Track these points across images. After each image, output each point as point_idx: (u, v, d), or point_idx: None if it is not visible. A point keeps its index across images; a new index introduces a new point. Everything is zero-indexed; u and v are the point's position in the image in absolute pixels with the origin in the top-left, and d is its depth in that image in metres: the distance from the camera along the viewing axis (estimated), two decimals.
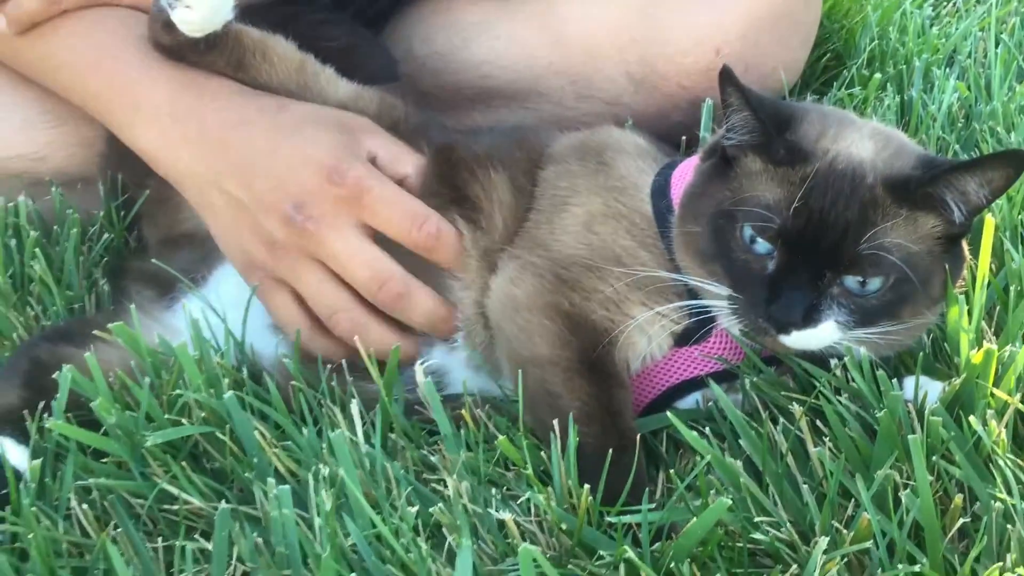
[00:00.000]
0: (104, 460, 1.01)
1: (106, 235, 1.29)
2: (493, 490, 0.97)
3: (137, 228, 1.31)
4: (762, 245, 0.95)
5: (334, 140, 1.11)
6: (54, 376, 1.01)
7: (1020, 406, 0.94)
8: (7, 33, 1.21)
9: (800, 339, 0.95)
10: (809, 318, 0.94)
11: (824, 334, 0.95)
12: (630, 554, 0.85)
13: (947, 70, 1.59)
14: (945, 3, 1.91)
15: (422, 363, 1.04)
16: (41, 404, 1.02)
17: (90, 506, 0.96)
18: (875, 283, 0.95)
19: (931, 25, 1.74)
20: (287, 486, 0.92)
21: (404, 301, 1.09)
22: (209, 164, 1.12)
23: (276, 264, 1.11)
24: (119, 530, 0.95)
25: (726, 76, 0.97)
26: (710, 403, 1.05)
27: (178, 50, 1.14)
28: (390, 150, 1.15)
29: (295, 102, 1.16)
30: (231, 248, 1.14)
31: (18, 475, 0.97)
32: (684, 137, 1.34)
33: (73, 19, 1.20)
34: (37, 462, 0.98)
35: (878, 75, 1.51)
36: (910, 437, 0.86)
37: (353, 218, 1.09)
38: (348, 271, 1.09)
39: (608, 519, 0.91)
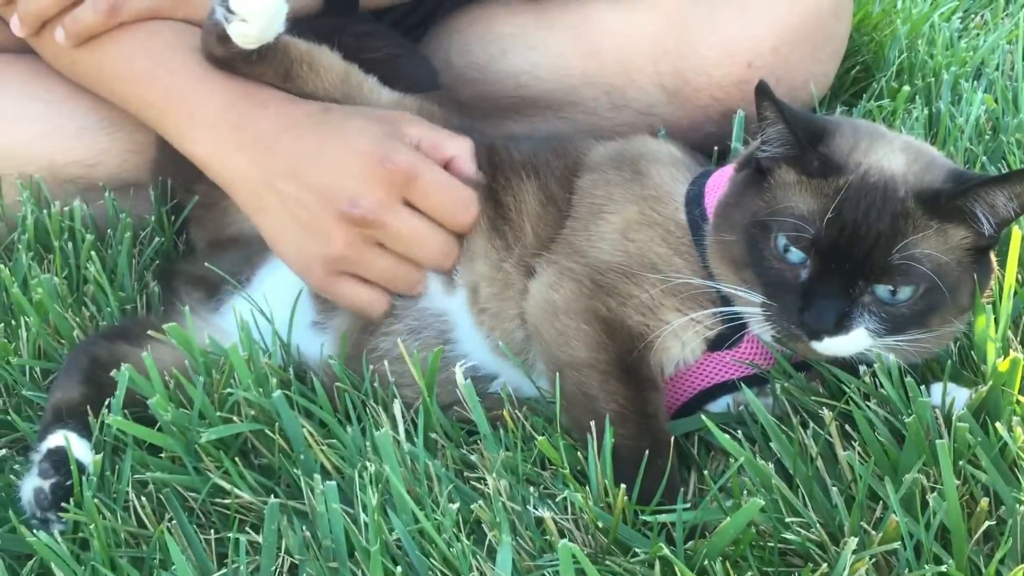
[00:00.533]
0: (160, 455, 1.05)
1: (157, 239, 1.33)
2: (531, 488, 1.00)
3: (186, 232, 1.36)
4: (795, 254, 0.98)
5: (378, 130, 1.16)
6: (112, 373, 1.06)
7: None
8: (64, 45, 1.25)
9: (832, 345, 0.98)
10: (841, 325, 0.97)
11: (855, 341, 0.98)
12: (665, 551, 0.88)
13: (975, 83, 1.61)
14: (973, 16, 1.92)
15: (461, 365, 1.08)
16: (105, 401, 1.07)
17: (147, 499, 1.01)
18: (905, 292, 0.97)
19: (959, 38, 1.75)
20: (333, 482, 0.96)
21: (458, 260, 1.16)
22: (262, 167, 1.16)
23: (339, 257, 1.15)
24: (174, 522, 0.99)
25: (762, 91, 1.00)
26: (741, 407, 1.08)
27: (230, 61, 1.19)
28: (430, 136, 1.20)
29: (338, 105, 1.21)
30: (287, 249, 1.17)
31: (81, 468, 1.02)
32: (716, 147, 1.36)
33: (129, 31, 1.24)
34: (99, 456, 1.02)
35: (907, 87, 1.53)
36: (937, 442, 0.89)
37: (402, 199, 1.15)
38: (417, 251, 1.15)
39: (643, 518, 0.94)
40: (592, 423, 0.99)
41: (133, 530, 0.99)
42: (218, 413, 1.06)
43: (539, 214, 1.16)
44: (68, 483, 1.00)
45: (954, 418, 0.94)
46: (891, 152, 1.03)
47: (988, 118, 1.51)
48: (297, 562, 0.95)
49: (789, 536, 0.91)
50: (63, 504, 0.99)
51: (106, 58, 1.25)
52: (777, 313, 0.99)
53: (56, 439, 1.03)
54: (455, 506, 0.95)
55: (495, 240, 1.16)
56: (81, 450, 1.04)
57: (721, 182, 1.11)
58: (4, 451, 1.10)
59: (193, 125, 1.20)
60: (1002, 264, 1.06)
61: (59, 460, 1.01)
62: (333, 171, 1.14)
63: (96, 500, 0.99)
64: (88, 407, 1.07)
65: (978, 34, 1.81)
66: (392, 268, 1.16)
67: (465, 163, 1.20)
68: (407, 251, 1.15)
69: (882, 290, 0.97)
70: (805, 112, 1.12)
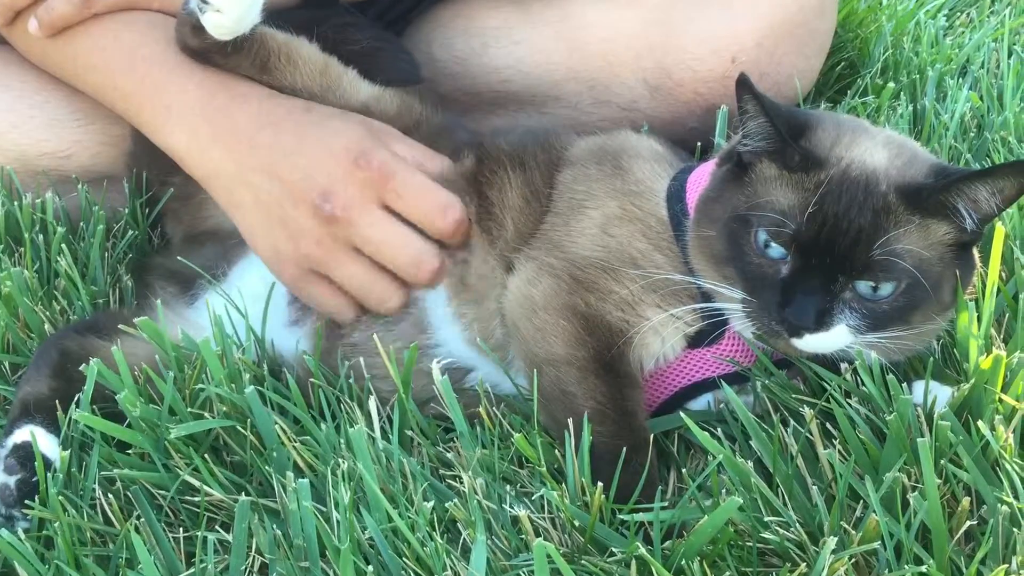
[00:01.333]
0: (128, 452, 1.04)
1: (130, 232, 1.31)
2: (508, 487, 0.99)
3: (161, 225, 1.34)
4: (776, 250, 0.97)
5: (358, 132, 1.15)
6: (81, 368, 1.04)
7: None
8: (37, 35, 1.23)
9: (812, 342, 0.97)
10: (821, 322, 0.96)
11: (836, 338, 0.97)
12: (641, 551, 0.87)
13: (960, 80, 1.60)
14: (959, 14, 1.92)
15: (439, 361, 1.06)
16: (74, 396, 1.05)
17: (114, 496, 0.99)
18: (887, 288, 0.96)
19: (944, 36, 1.75)
20: (306, 480, 0.94)
21: (438, 276, 1.13)
22: (238, 162, 1.15)
23: (308, 255, 1.13)
24: (142, 520, 0.97)
25: (743, 83, 0.99)
26: (722, 405, 1.07)
27: (205, 52, 1.17)
28: (413, 154, 1.18)
29: (321, 105, 1.19)
30: (261, 245, 1.16)
31: (47, 464, 0.99)
32: (699, 143, 1.35)
33: (103, 22, 1.22)
34: (67, 452, 1.00)
35: (891, 84, 1.53)
36: (919, 440, 0.88)
37: (378, 201, 1.12)
38: (384, 255, 1.13)
39: (620, 517, 0.93)
40: (570, 420, 0.98)
41: (99, 528, 0.97)
42: (189, 409, 1.04)
43: (521, 208, 1.15)
44: (34, 479, 0.98)
45: (936, 416, 0.93)
46: (873, 146, 1.02)
47: (973, 115, 1.50)
48: (268, 561, 0.93)
49: (768, 536, 0.89)
50: (28, 501, 0.97)
51: (80, 49, 1.24)
52: (757, 309, 0.98)
53: (22, 434, 1.01)
54: (430, 504, 0.94)
55: (481, 234, 1.14)
56: (48, 446, 1.02)
57: (703, 177, 1.10)
58: None
59: (170, 117, 1.18)
60: (985, 261, 1.05)
61: (25, 456, 0.99)
62: (308, 167, 1.12)
63: (62, 497, 0.97)
64: (57, 402, 1.05)
65: (963, 32, 1.81)
66: (362, 276, 1.13)
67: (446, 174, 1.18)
68: (378, 255, 1.13)
69: (863, 286, 0.96)
70: (786, 106, 1.11)
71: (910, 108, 1.48)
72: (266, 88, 1.19)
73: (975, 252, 1.02)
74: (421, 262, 1.13)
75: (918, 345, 1.03)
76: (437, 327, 1.14)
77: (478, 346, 1.10)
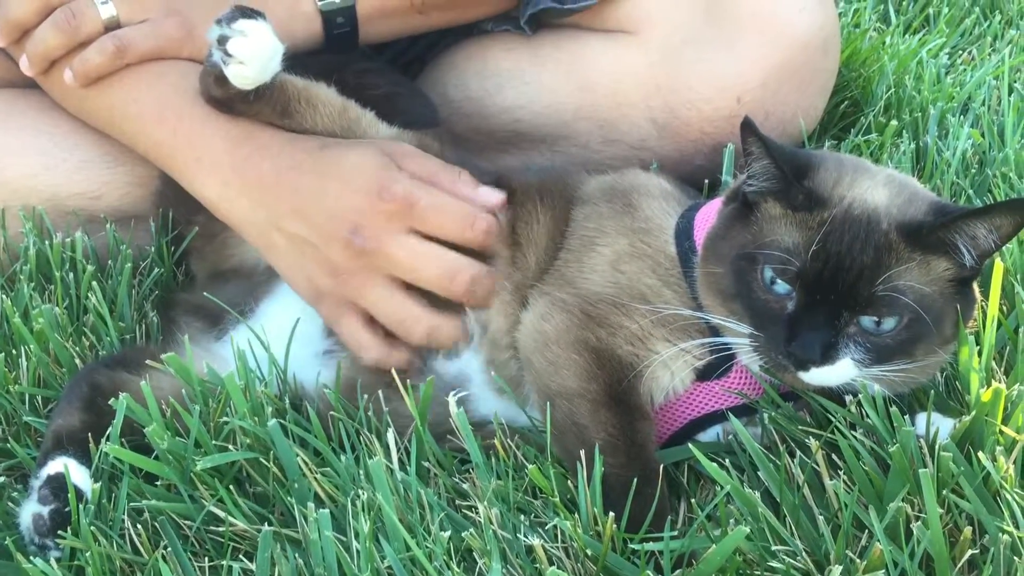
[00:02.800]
0: (156, 483, 1.07)
1: (156, 269, 1.35)
2: (522, 517, 1.01)
3: (186, 263, 1.38)
4: (782, 286, 1.00)
5: (375, 163, 1.19)
6: (112, 402, 1.08)
7: None
8: (73, 86, 1.28)
9: (818, 376, 1.00)
10: (827, 356, 0.98)
11: (841, 371, 1.00)
12: None
13: (961, 117, 1.63)
14: (960, 52, 1.95)
15: (455, 394, 1.09)
16: (105, 428, 1.08)
17: (143, 526, 1.02)
18: (890, 323, 0.99)
19: (946, 74, 1.78)
20: (326, 510, 0.97)
21: (477, 286, 1.16)
22: (268, 208, 1.20)
23: (343, 288, 1.18)
24: (169, 550, 1.00)
25: (747, 126, 1.02)
26: (730, 436, 1.09)
27: (229, 102, 1.21)
28: (427, 167, 1.22)
29: (337, 140, 1.23)
30: (298, 283, 1.21)
31: (79, 495, 1.03)
32: (707, 180, 1.39)
33: (136, 73, 1.27)
34: (98, 484, 1.04)
35: (894, 122, 1.56)
36: (921, 471, 0.90)
37: (406, 228, 1.17)
38: (416, 272, 1.17)
39: (631, 546, 0.96)
40: (582, 452, 1.00)
41: (128, 557, 1.00)
42: (214, 442, 1.08)
43: (546, 246, 1.18)
44: (66, 509, 1.01)
45: (938, 448, 0.96)
46: (874, 186, 1.05)
47: (974, 152, 1.53)
48: None
49: (775, 564, 0.92)
50: (60, 531, 1.00)
51: (115, 99, 1.29)
52: (764, 344, 1.01)
53: (56, 466, 1.05)
54: (446, 534, 0.97)
55: (511, 271, 1.18)
56: (80, 477, 1.05)
57: (710, 215, 1.13)
58: (3, 478, 1.11)
59: (200, 169, 1.23)
60: (985, 295, 1.08)
61: (58, 486, 1.03)
62: (334, 207, 1.17)
63: (93, 527, 1.00)
64: (88, 434, 1.09)
65: (965, 70, 1.84)
66: (390, 300, 1.17)
67: (468, 183, 1.22)
68: (411, 275, 1.16)
69: (867, 321, 0.99)
70: (790, 147, 1.14)
71: (912, 145, 1.51)
72: (286, 133, 1.23)
73: (975, 287, 1.05)
74: (455, 273, 1.16)
75: (921, 377, 1.06)
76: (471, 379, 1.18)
77: (501, 390, 1.14)
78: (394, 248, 1.16)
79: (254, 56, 1.15)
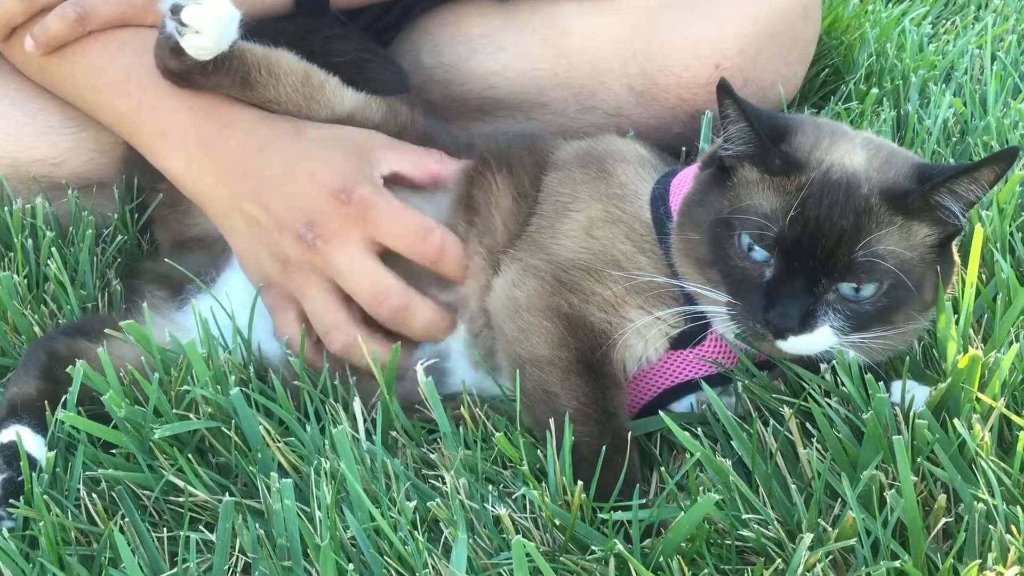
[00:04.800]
0: (113, 452, 1.04)
1: (120, 237, 1.32)
2: (490, 487, 0.99)
3: (150, 231, 1.35)
4: (759, 253, 0.98)
5: (344, 161, 1.16)
6: (68, 369, 1.05)
7: (1004, 410, 0.96)
8: (34, 54, 1.24)
9: (797, 344, 0.98)
10: (806, 324, 0.97)
11: (820, 339, 0.98)
12: (620, 548, 0.87)
13: (943, 86, 1.62)
14: (944, 22, 1.93)
15: (423, 363, 1.07)
16: (62, 397, 1.05)
17: (99, 496, 0.99)
18: (869, 289, 0.97)
19: (929, 42, 1.76)
20: (289, 480, 0.95)
21: (403, 314, 1.13)
22: (231, 188, 1.17)
23: (287, 280, 1.16)
24: (126, 520, 0.98)
25: (724, 88, 1.00)
26: (704, 406, 1.08)
27: (186, 74, 1.17)
28: (409, 158, 1.19)
29: (312, 125, 1.20)
30: (250, 266, 1.19)
31: (33, 463, 1.00)
32: (684, 148, 1.36)
33: (99, 41, 1.24)
34: (52, 453, 1.01)
35: (875, 90, 1.54)
36: (895, 438, 0.88)
37: (360, 234, 1.14)
38: (350, 285, 1.14)
39: (600, 516, 0.94)
40: (552, 420, 0.98)
41: (84, 527, 0.98)
42: (174, 411, 1.05)
43: (511, 209, 1.16)
44: (20, 479, 0.99)
45: (913, 415, 0.94)
46: (852, 149, 1.03)
47: (956, 121, 1.51)
48: (251, 560, 0.94)
49: (747, 533, 0.90)
50: (13, 500, 0.97)
51: (77, 68, 1.25)
52: (742, 312, 0.99)
53: (8, 434, 1.02)
54: (412, 504, 0.95)
55: (468, 234, 1.16)
56: (34, 446, 1.02)
57: (686, 180, 1.11)
58: None
59: (165, 142, 1.20)
60: (964, 262, 1.06)
61: (11, 455, 1.00)
62: (294, 197, 1.14)
63: (47, 497, 0.97)
64: (45, 402, 1.06)
65: (947, 39, 1.82)
66: (319, 302, 1.14)
67: (449, 165, 1.19)
68: (343, 284, 1.14)
69: (846, 287, 0.97)
70: (767, 110, 1.12)
71: (893, 113, 1.49)
72: (256, 110, 1.20)
73: (954, 249, 1.03)
74: (382, 295, 1.12)
75: (900, 345, 1.04)
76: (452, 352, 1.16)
77: (480, 363, 1.12)
78: (337, 254, 1.13)
79: (210, 24, 1.11)
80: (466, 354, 1.14)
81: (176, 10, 1.10)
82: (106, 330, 1.11)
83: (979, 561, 0.83)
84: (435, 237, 1.14)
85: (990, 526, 0.87)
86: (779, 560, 0.88)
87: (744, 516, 0.91)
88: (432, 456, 1.04)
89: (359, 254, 1.14)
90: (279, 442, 1.03)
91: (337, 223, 1.13)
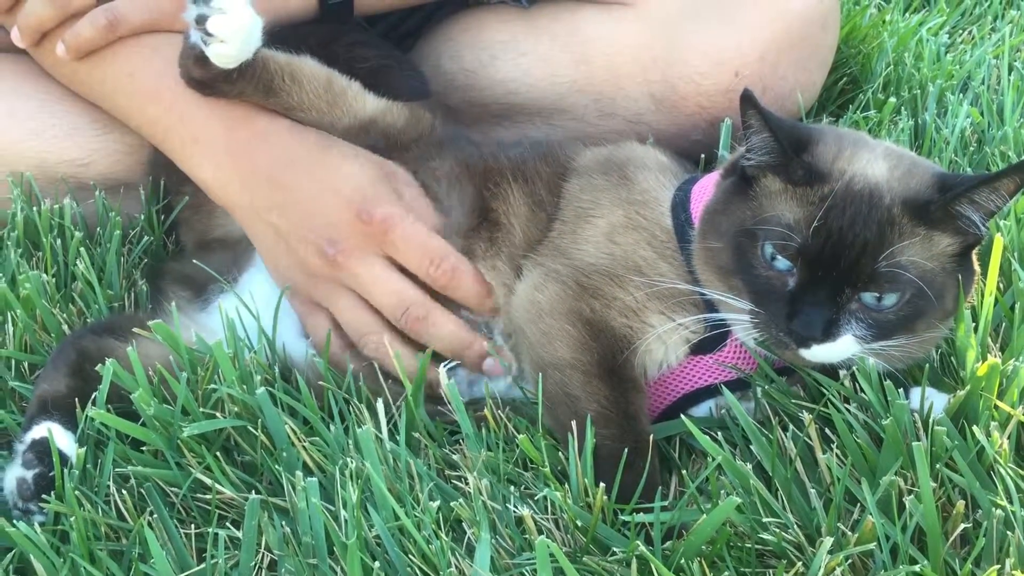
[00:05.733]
0: (142, 449, 1.06)
1: (146, 238, 1.34)
2: (512, 488, 1.00)
3: (175, 233, 1.37)
4: (782, 263, 0.99)
5: (370, 177, 1.19)
6: (98, 368, 1.06)
7: (1023, 418, 0.97)
8: (65, 59, 1.26)
9: (820, 353, 0.99)
10: (829, 333, 0.97)
11: (843, 347, 0.99)
12: (642, 550, 0.88)
13: (960, 96, 1.62)
14: (961, 32, 1.94)
15: (445, 366, 1.08)
16: (91, 394, 1.07)
17: (128, 493, 1.01)
18: (891, 299, 0.98)
19: (946, 52, 1.77)
20: (314, 479, 0.96)
21: (425, 325, 1.15)
22: (259, 198, 1.20)
23: (313, 290, 1.19)
24: (154, 516, 0.99)
25: (747, 98, 1.01)
26: (723, 411, 1.09)
27: (212, 82, 1.19)
28: (415, 203, 1.21)
29: (340, 142, 1.22)
30: (275, 271, 1.22)
31: (64, 459, 1.02)
32: (703, 155, 1.37)
33: (130, 47, 1.25)
34: (83, 449, 1.03)
35: (893, 99, 1.55)
36: (915, 444, 0.89)
37: (379, 251, 1.17)
38: (374, 298, 1.17)
39: (622, 518, 0.95)
40: (573, 423, 1.00)
41: (113, 523, 0.99)
42: (202, 409, 1.07)
43: (528, 216, 1.17)
44: (51, 474, 1.01)
45: (932, 422, 0.95)
46: (874, 159, 1.04)
47: (973, 131, 1.52)
48: (276, 558, 0.95)
49: (767, 536, 0.91)
50: (44, 496, 0.99)
51: (108, 73, 1.27)
52: (765, 321, 1.00)
53: (40, 430, 1.04)
54: (435, 504, 0.96)
55: (480, 244, 1.17)
56: (65, 442, 1.04)
57: (707, 188, 1.12)
58: None
59: (196, 149, 1.22)
60: (983, 272, 1.07)
61: (43, 451, 1.02)
62: (318, 214, 1.17)
63: (77, 493, 0.99)
64: (75, 399, 1.08)
65: (965, 49, 1.83)
66: (352, 311, 1.17)
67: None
68: (367, 296, 1.17)
69: (868, 297, 0.98)
70: (789, 120, 1.13)
71: (911, 122, 1.50)
72: (286, 121, 1.22)
73: (975, 258, 1.04)
74: (406, 306, 1.15)
75: (920, 353, 1.05)
76: None
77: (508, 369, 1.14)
78: (360, 268, 1.16)
79: (235, 33, 1.12)
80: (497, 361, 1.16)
81: (201, 20, 1.11)
82: (134, 329, 1.13)
83: (997, 567, 0.84)
84: (447, 263, 1.16)
85: (1008, 532, 0.88)
86: (799, 564, 0.89)
87: (764, 520, 0.92)
88: (454, 457, 1.06)
89: (380, 268, 1.17)
90: (304, 441, 1.04)
91: (357, 240, 1.16)
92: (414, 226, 1.17)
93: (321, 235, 1.16)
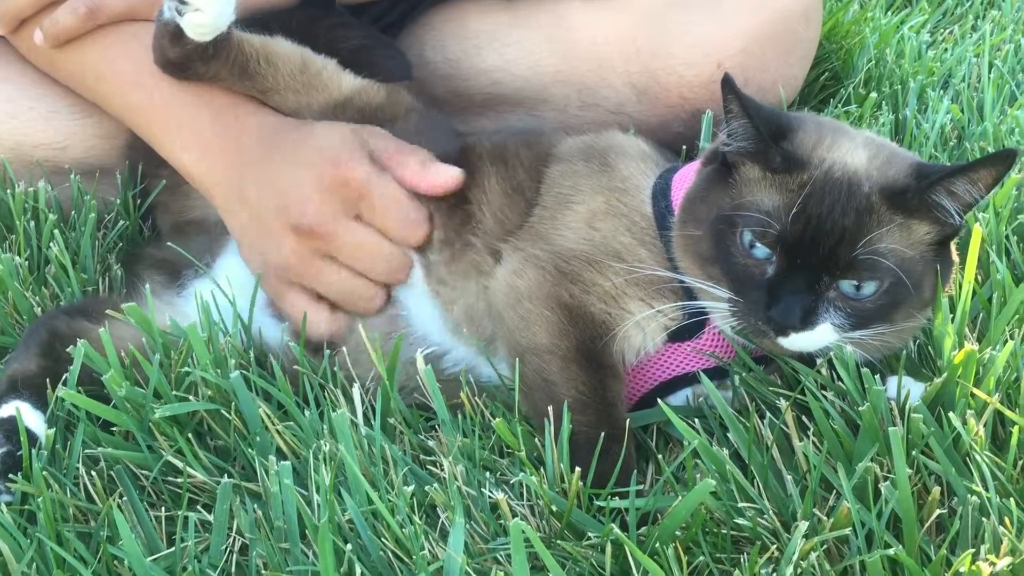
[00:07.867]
0: (112, 431, 1.04)
1: (121, 222, 1.33)
2: (487, 474, 1.00)
3: (152, 217, 1.35)
4: (761, 250, 0.99)
5: (339, 142, 1.17)
6: (69, 349, 1.05)
7: (999, 406, 0.97)
8: (43, 47, 1.25)
9: (798, 341, 0.98)
10: (807, 321, 0.97)
11: (821, 336, 0.98)
12: (617, 533, 0.88)
13: (941, 92, 1.63)
14: (942, 30, 1.95)
15: (423, 351, 1.08)
16: (62, 375, 1.05)
17: (98, 475, 0.99)
18: (870, 287, 0.98)
19: (927, 50, 1.78)
20: (287, 462, 0.95)
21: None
22: (239, 174, 1.19)
23: (289, 267, 1.17)
24: (124, 499, 0.98)
25: (727, 84, 1.01)
26: (700, 399, 1.08)
27: (186, 61, 1.18)
28: (391, 147, 1.20)
29: (314, 122, 1.21)
30: (251, 253, 1.20)
31: (32, 439, 1.00)
32: (684, 147, 1.37)
33: (111, 33, 1.24)
34: (52, 430, 1.01)
35: (874, 94, 1.55)
36: (891, 430, 0.89)
37: (354, 214, 1.16)
38: (359, 260, 1.16)
39: (597, 503, 0.94)
40: (550, 408, 0.99)
41: (82, 505, 0.98)
42: (174, 392, 1.05)
43: (502, 202, 1.16)
44: (19, 453, 0.99)
45: (908, 409, 0.95)
46: (853, 148, 1.04)
47: (953, 127, 1.53)
48: (248, 541, 0.94)
49: (742, 522, 0.91)
50: (12, 475, 0.97)
51: (87, 60, 1.26)
52: (743, 309, 1.00)
53: (8, 409, 1.02)
54: (410, 489, 0.95)
55: (449, 223, 1.17)
56: (34, 421, 1.02)
57: (688, 176, 1.12)
58: None
59: (180, 134, 1.21)
60: (961, 262, 1.07)
61: (11, 430, 1.00)
62: (290, 182, 1.16)
63: (46, 473, 0.98)
64: (45, 380, 1.06)
65: (946, 47, 1.84)
66: (343, 282, 1.17)
67: (434, 165, 1.19)
68: (356, 264, 1.16)
69: (847, 285, 0.98)
70: (769, 107, 1.13)
71: (891, 118, 1.51)
72: (270, 111, 1.21)
73: (953, 247, 1.04)
74: (396, 268, 1.17)
75: (898, 342, 1.05)
76: (412, 312, 1.17)
77: (453, 328, 1.13)
78: (342, 234, 1.16)
79: (209, 1, 1.11)
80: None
81: None
82: (107, 311, 1.11)
83: (971, 552, 0.84)
84: (424, 226, 1.17)
85: (983, 518, 0.88)
86: (773, 547, 0.89)
87: (740, 505, 0.92)
88: (430, 443, 1.05)
89: (360, 230, 1.16)
90: (278, 425, 1.03)
91: (331, 206, 1.15)
92: (393, 187, 1.17)
93: (293, 205, 1.15)
